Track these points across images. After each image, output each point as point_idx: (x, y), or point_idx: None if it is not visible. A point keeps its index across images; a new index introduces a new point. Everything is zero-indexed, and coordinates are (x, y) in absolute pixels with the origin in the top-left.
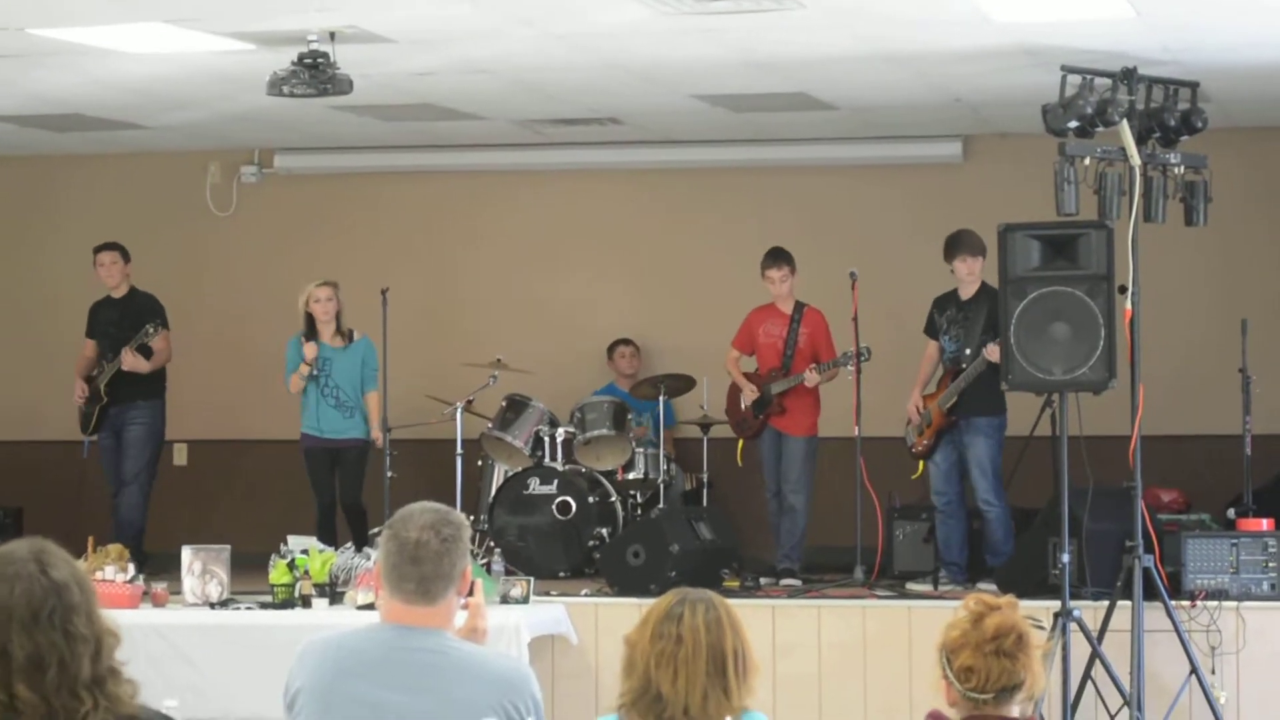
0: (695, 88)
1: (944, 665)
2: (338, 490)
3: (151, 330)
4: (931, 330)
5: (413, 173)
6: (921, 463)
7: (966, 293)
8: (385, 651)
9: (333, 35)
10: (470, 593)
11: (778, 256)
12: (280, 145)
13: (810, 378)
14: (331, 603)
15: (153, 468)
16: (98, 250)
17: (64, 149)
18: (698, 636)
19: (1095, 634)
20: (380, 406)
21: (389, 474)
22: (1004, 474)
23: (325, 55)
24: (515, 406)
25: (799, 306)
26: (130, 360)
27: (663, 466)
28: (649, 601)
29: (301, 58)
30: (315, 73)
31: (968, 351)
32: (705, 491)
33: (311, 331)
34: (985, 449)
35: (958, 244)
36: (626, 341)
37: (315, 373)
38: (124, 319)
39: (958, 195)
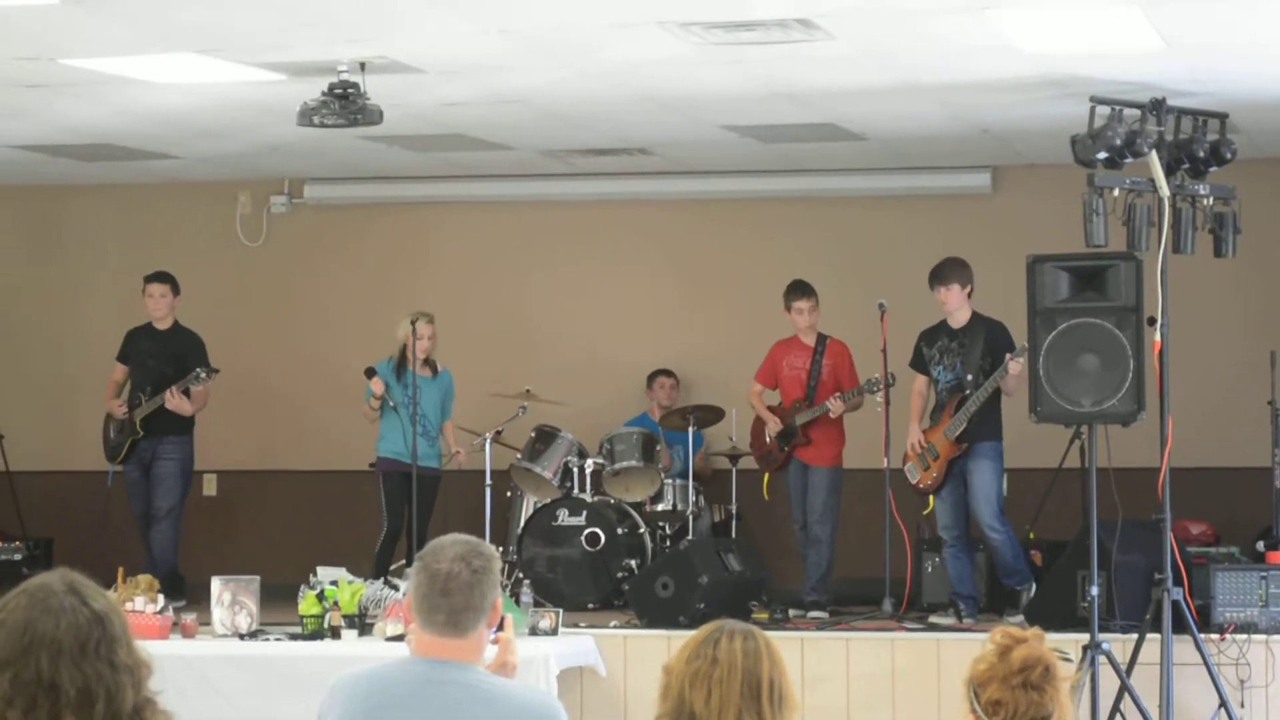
0: (724, 119)
1: (971, 699)
2: (415, 519)
3: (203, 375)
4: (919, 364)
5: (442, 203)
6: (932, 498)
7: (958, 321)
8: (416, 686)
9: (363, 65)
10: (501, 627)
11: (803, 289)
12: (310, 175)
13: (834, 406)
14: (361, 634)
15: (183, 503)
16: (148, 280)
17: (94, 179)
18: (734, 659)
19: (1124, 667)
20: (453, 434)
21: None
22: (1033, 505)
23: (355, 85)
24: (544, 437)
25: (822, 338)
26: (175, 402)
27: (691, 498)
28: (678, 633)
29: (332, 88)
30: (345, 103)
31: (969, 378)
32: (734, 523)
33: (402, 360)
34: (991, 474)
35: (939, 273)
36: (668, 373)
37: (393, 404)
38: (165, 352)
39: (986, 226)
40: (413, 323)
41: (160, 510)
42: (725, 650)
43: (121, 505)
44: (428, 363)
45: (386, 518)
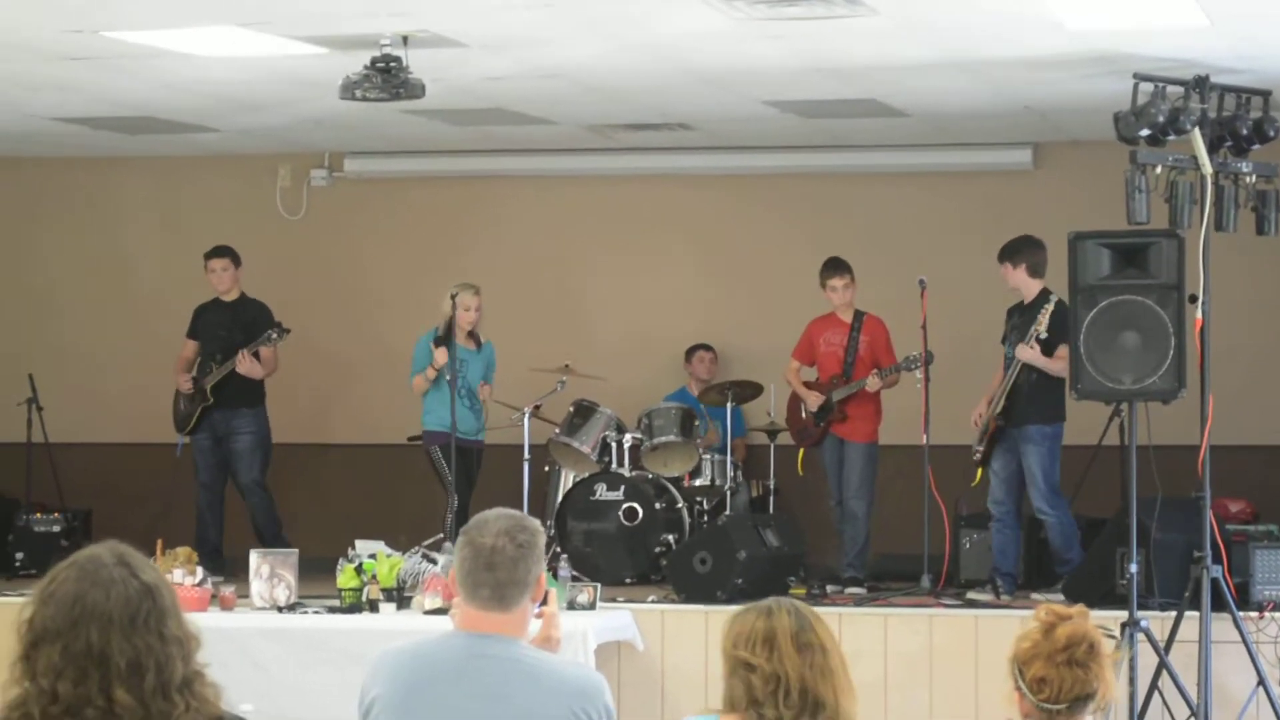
0: (766, 93)
1: (1016, 676)
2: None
3: (274, 335)
4: (1004, 339)
5: (483, 177)
6: (980, 470)
7: (1026, 298)
8: (461, 660)
9: (405, 39)
10: (544, 601)
11: (838, 266)
12: (350, 149)
13: (872, 382)
14: (399, 608)
15: (265, 473)
16: (208, 256)
17: (135, 151)
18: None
19: (1163, 644)
20: (489, 398)
21: (453, 477)
22: (1072, 482)
23: (398, 59)
24: (583, 412)
25: (859, 315)
26: (247, 365)
27: (729, 473)
28: (716, 608)
29: (374, 61)
30: (388, 77)
31: (1012, 356)
32: (771, 498)
33: (448, 332)
34: (1037, 457)
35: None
36: (706, 347)
37: (448, 376)
38: (235, 323)
39: (1027, 202)
40: (452, 296)
41: (249, 485)
42: (777, 613)
43: (184, 477)
44: (471, 335)
45: (454, 489)
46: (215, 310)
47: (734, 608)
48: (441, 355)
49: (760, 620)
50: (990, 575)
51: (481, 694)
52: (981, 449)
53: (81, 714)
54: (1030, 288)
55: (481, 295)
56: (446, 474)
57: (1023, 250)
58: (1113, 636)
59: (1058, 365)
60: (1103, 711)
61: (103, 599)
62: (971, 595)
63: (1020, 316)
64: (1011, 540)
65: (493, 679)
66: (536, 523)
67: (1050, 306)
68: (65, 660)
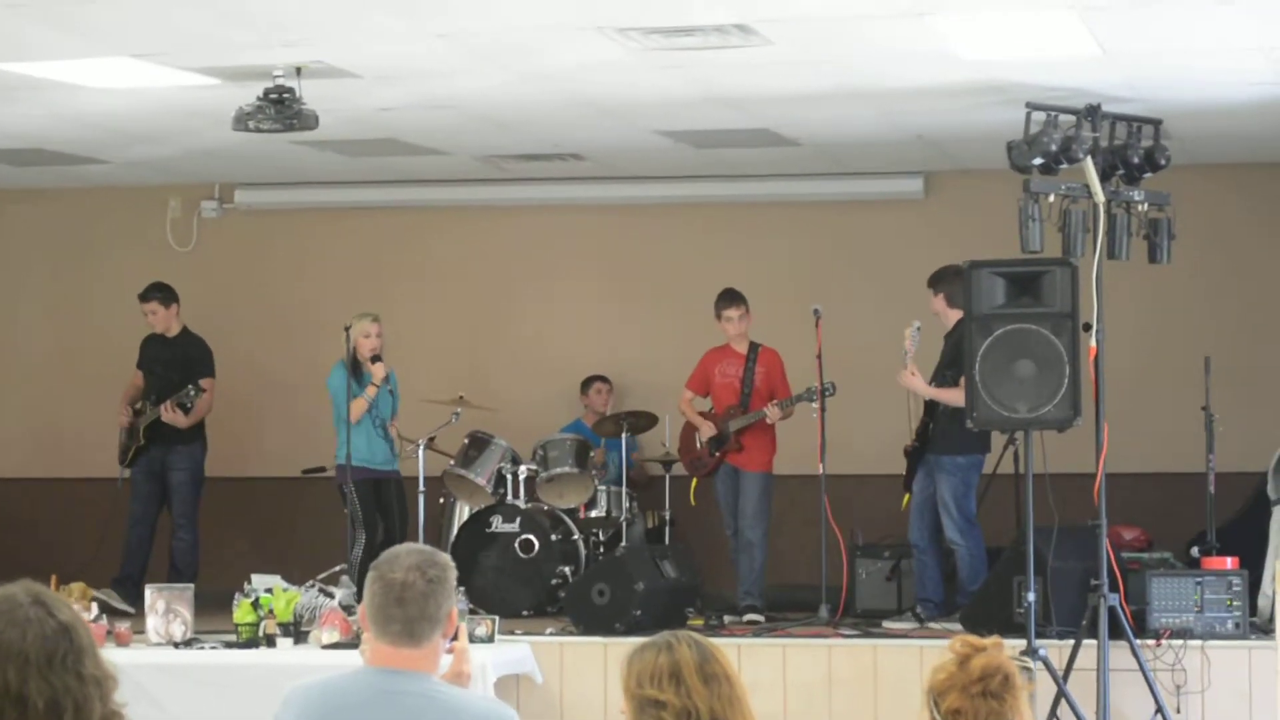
0: (658, 123)
1: (931, 708)
2: (386, 523)
3: (193, 392)
4: None
5: (374, 208)
6: (907, 495)
7: (947, 326)
8: (371, 696)
9: (299, 70)
10: (455, 636)
11: (733, 297)
12: (241, 180)
13: (772, 413)
14: (296, 642)
15: (196, 510)
16: (139, 298)
17: (23, 183)
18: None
19: (1061, 673)
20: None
21: (349, 510)
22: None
23: (291, 91)
24: (477, 444)
25: (754, 346)
26: (169, 415)
27: (625, 504)
28: (614, 640)
29: (267, 93)
30: (281, 108)
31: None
32: (667, 529)
33: (356, 364)
34: (949, 487)
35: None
36: (602, 379)
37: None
38: (173, 359)
39: (918, 231)
40: (346, 329)
41: (179, 519)
42: (676, 645)
43: (82, 510)
44: (375, 362)
45: (364, 527)
46: (156, 344)
47: (633, 639)
48: (380, 370)
49: (662, 656)
50: (912, 603)
51: None
52: (904, 474)
53: None
54: (949, 316)
55: (381, 323)
56: (357, 511)
57: (943, 279)
58: (1027, 668)
59: (950, 395)
60: None
61: (19, 638)
62: (888, 624)
63: (944, 343)
64: (930, 566)
65: (404, 714)
66: (447, 558)
67: (911, 330)
68: None
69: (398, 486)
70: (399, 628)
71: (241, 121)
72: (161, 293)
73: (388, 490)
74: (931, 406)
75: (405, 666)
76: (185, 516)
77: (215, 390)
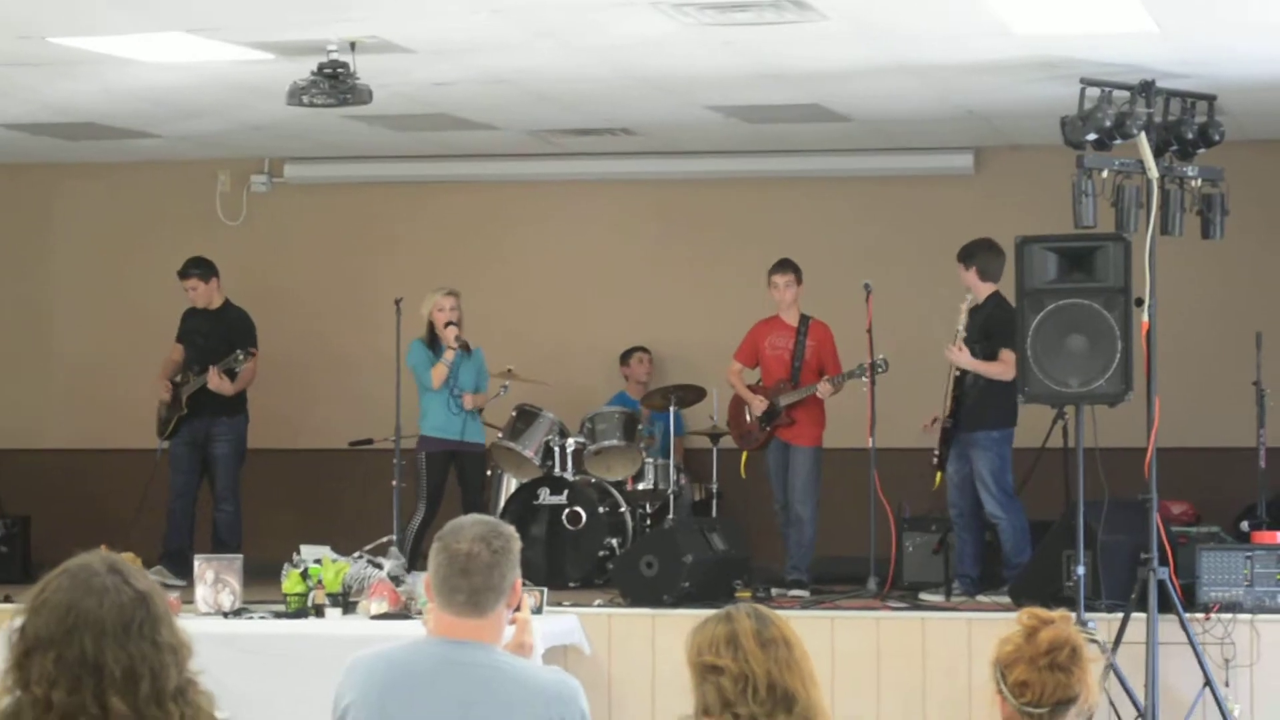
0: (709, 99)
1: (998, 680)
2: (461, 494)
3: (241, 356)
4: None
5: (423, 183)
6: (939, 474)
7: (979, 300)
8: (435, 666)
9: (353, 45)
10: (518, 607)
11: (784, 264)
12: (291, 155)
13: (824, 389)
14: (345, 613)
15: (239, 483)
16: (179, 275)
17: (74, 157)
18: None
19: (1109, 646)
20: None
21: (397, 483)
22: (1016, 485)
23: (345, 65)
24: (525, 417)
25: (804, 319)
26: (216, 381)
27: (672, 477)
28: (662, 612)
29: (321, 67)
30: (335, 82)
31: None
32: (715, 502)
33: (433, 339)
34: (986, 463)
35: (960, 252)
36: (642, 349)
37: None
38: (214, 331)
39: (968, 207)
40: (397, 302)
41: (222, 493)
42: (737, 617)
43: (127, 482)
44: (448, 326)
45: (426, 500)
46: (198, 316)
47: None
48: (451, 334)
49: (721, 626)
50: (948, 577)
51: (456, 700)
52: (938, 452)
53: None
54: (980, 290)
55: (458, 296)
56: (423, 482)
57: (975, 253)
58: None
59: (994, 369)
60: (1085, 716)
61: (96, 607)
62: (923, 596)
63: (972, 320)
64: (969, 542)
65: (468, 685)
66: (511, 529)
67: (966, 305)
68: (59, 669)
69: (478, 459)
70: (463, 598)
71: (296, 96)
72: (200, 268)
73: (466, 463)
74: (959, 383)
75: (469, 637)
76: (228, 489)
77: (262, 362)
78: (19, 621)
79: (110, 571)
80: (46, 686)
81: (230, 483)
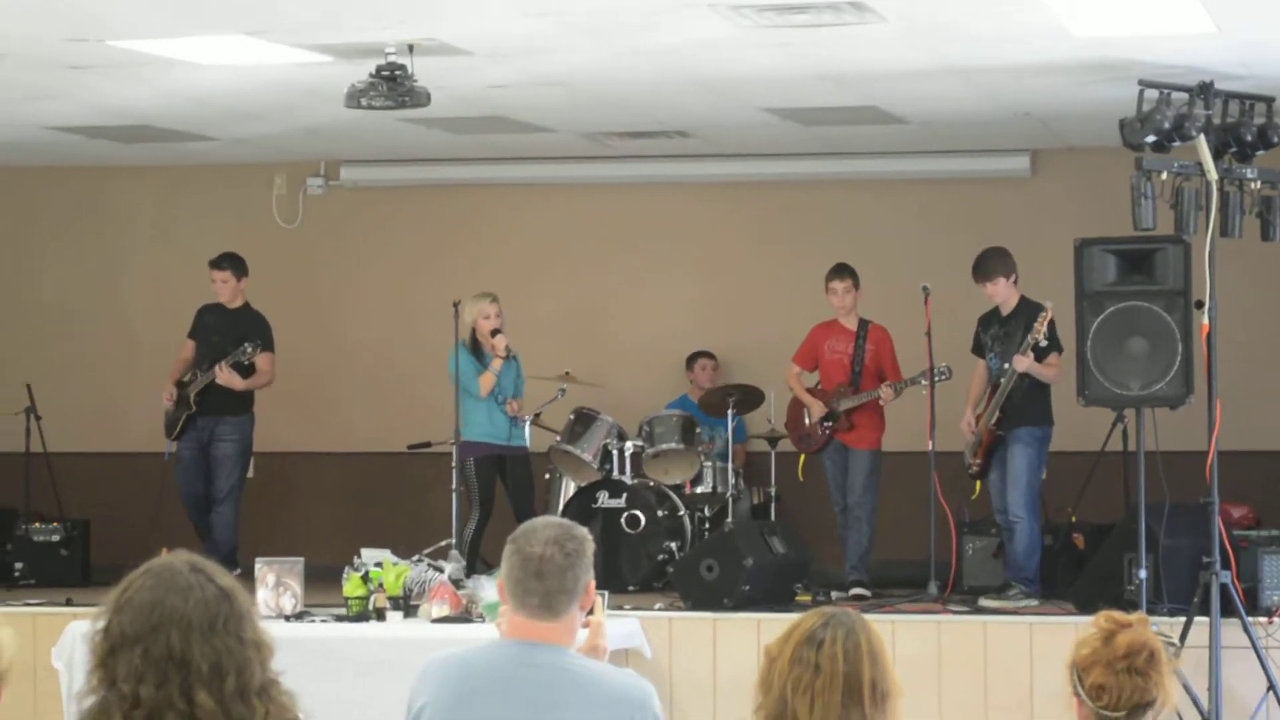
0: (765, 101)
1: (1075, 683)
2: (510, 500)
3: (250, 350)
4: (979, 349)
5: (479, 185)
6: (979, 483)
7: (1006, 308)
8: (510, 669)
9: (411, 48)
10: (591, 610)
11: (841, 270)
12: (346, 157)
13: (886, 394)
14: (406, 616)
15: (242, 484)
16: (211, 265)
17: (129, 160)
18: (835, 667)
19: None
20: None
21: (455, 486)
22: (1074, 489)
23: (403, 68)
24: (583, 420)
25: (864, 323)
26: (225, 376)
27: (731, 480)
28: (723, 615)
29: (380, 70)
30: (393, 85)
31: (1006, 366)
32: (773, 505)
33: (475, 343)
34: (1024, 457)
35: (981, 268)
36: (708, 355)
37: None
38: (229, 330)
39: (1024, 209)
40: (456, 304)
41: (220, 492)
42: (828, 655)
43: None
44: (495, 335)
45: (479, 503)
46: (213, 313)
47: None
48: (502, 342)
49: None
50: (1004, 581)
51: (531, 702)
52: (979, 462)
53: (163, 718)
54: (1014, 297)
55: (499, 303)
56: (475, 488)
57: (1003, 261)
58: (1172, 644)
59: (1051, 373)
60: None
61: (181, 603)
62: (983, 601)
63: (1001, 326)
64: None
65: (541, 688)
66: (585, 531)
67: (1047, 315)
68: (146, 664)
69: (523, 463)
70: (537, 600)
71: (354, 99)
72: (234, 263)
73: (512, 466)
74: (1010, 395)
75: (542, 639)
76: (227, 490)
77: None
78: (102, 622)
79: (193, 570)
80: (134, 682)
81: (230, 484)
